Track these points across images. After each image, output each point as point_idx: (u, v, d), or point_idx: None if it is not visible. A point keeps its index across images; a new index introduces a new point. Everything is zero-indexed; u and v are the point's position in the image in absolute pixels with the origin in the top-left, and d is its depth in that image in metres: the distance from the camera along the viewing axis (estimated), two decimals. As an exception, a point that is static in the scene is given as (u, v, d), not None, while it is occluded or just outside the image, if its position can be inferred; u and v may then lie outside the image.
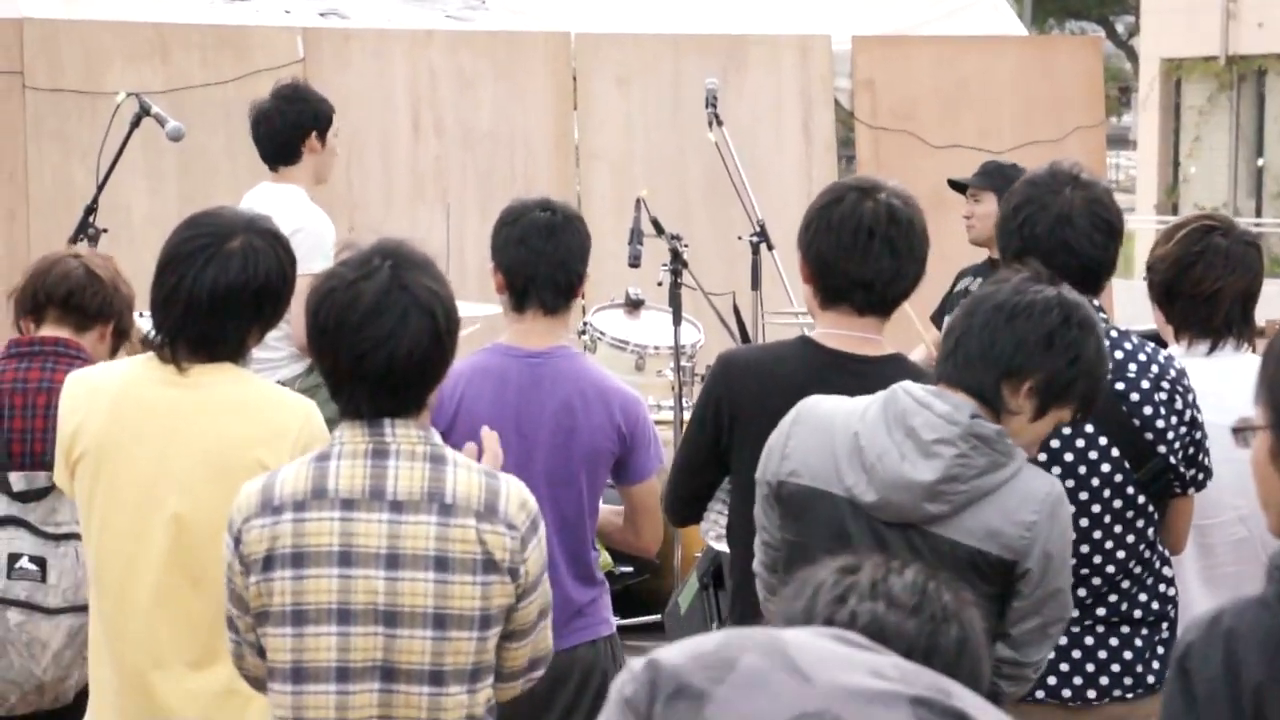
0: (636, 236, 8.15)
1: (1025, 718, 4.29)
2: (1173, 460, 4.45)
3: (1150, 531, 4.50)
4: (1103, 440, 4.42)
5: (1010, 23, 12.92)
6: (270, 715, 3.77)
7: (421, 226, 10.41)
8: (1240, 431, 2.83)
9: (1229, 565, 4.79)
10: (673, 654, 1.95)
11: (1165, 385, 4.46)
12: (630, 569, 8.28)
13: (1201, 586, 4.78)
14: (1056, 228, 4.46)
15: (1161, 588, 4.54)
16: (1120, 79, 46.81)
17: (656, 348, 8.64)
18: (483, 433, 4.04)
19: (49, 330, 5.29)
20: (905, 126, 11.79)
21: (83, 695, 4.83)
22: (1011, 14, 13.32)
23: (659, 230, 8.14)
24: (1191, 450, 4.49)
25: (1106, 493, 4.43)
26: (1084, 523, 4.41)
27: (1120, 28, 48.68)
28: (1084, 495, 4.42)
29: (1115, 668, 4.48)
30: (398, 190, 11.05)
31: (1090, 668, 4.48)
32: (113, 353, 5.25)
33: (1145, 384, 4.44)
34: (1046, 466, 4.37)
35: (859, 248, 4.30)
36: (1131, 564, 4.47)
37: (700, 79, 9.38)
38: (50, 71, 10.43)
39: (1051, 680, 4.44)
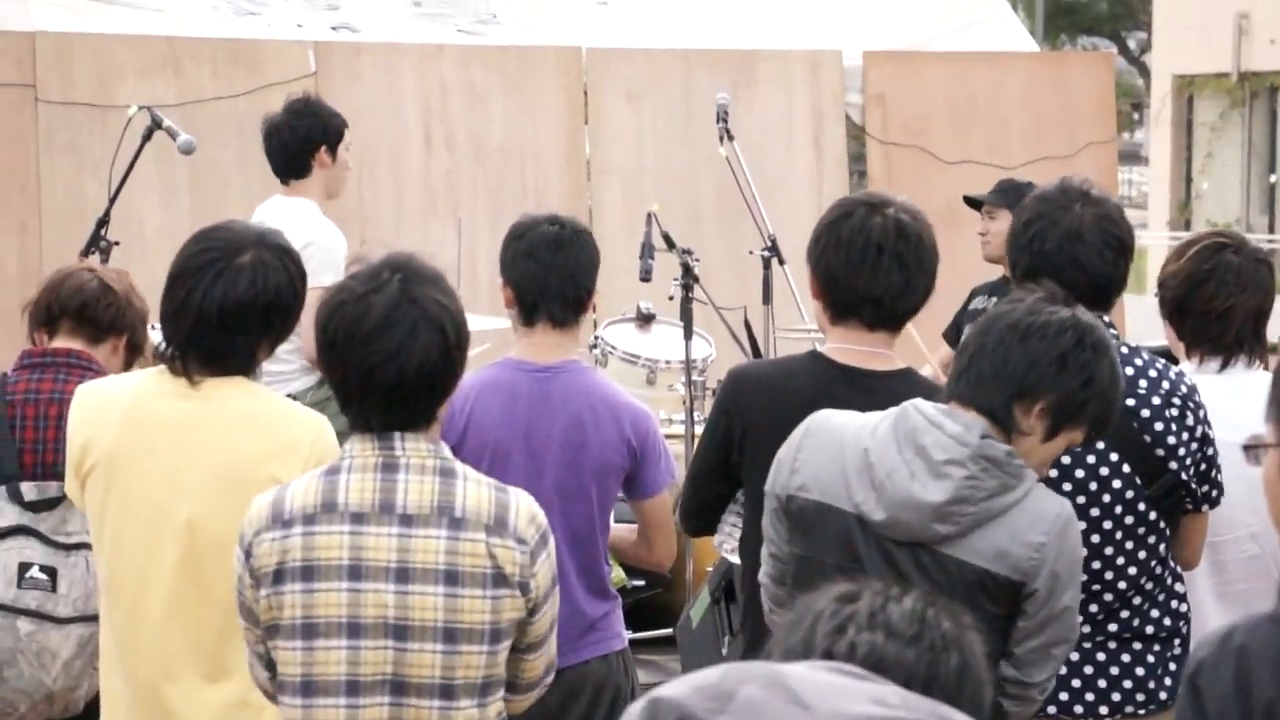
0: (648, 251, 8.15)
1: (1037, 734, 4.29)
2: (1184, 476, 4.44)
3: (1162, 548, 4.49)
4: (1114, 456, 4.41)
5: (1022, 38, 12.92)
6: (281, 728, 3.77)
7: (433, 241, 10.42)
8: (1252, 449, 2.83)
9: (1241, 582, 4.78)
10: (674, 688, 1.96)
11: (1176, 401, 4.45)
12: (642, 583, 8.27)
13: (1215, 603, 4.77)
14: (1066, 244, 4.46)
15: (1174, 604, 4.53)
16: (1132, 95, 46.82)
17: (668, 362, 8.63)
18: None
19: (62, 342, 5.30)
20: (917, 142, 11.79)
21: (93, 705, 4.83)
22: (1023, 30, 13.32)
23: (670, 245, 8.14)
24: (1203, 467, 4.48)
25: (1118, 509, 4.43)
26: (1095, 539, 4.40)
27: (1132, 44, 48.70)
28: (1095, 511, 4.41)
29: (1128, 684, 4.48)
30: (409, 204, 11.06)
31: (1102, 684, 4.47)
32: (126, 366, 5.25)
33: (1156, 400, 4.44)
34: (1058, 482, 4.37)
35: (868, 263, 4.30)
36: (1143, 580, 4.47)
37: (711, 94, 9.39)
38: (63, 84, 10.45)
39: (1064, 696, 4.44)
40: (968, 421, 3.78)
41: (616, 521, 5.23)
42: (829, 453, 3.88)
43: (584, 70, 11.39)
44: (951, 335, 8.02)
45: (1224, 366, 4.85)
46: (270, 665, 3.75)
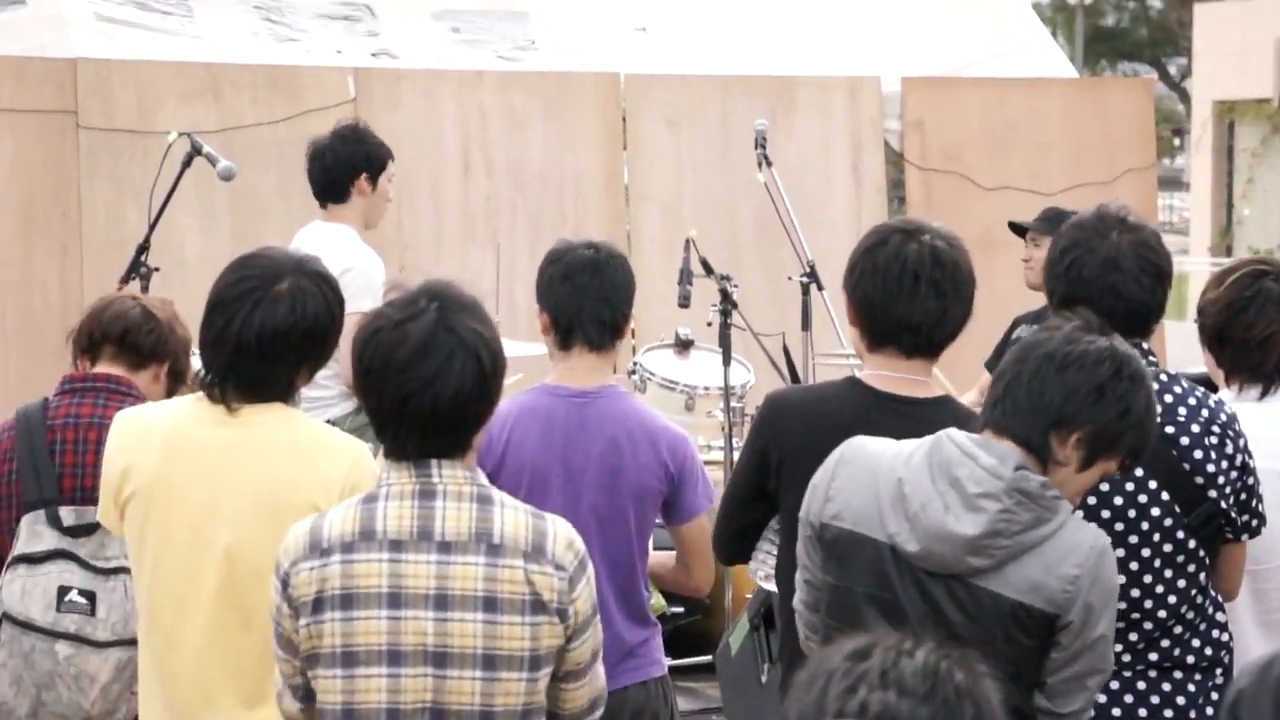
0: (686, 277, 8.16)
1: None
2: (1223, 505, 4.42)
3: (1202, 576, 4.47)
4: (1153, 484, 4.40)
5: (1060, 64, 12.90)
6: (321, 755, 3.77)
7: (472, 267, 10.44)
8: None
9: (1283, 610, 4.77)
10: None
11: (1216, 429, 4.44)
12: (681, 609, 8.27)
13: (1256, 631, 4.75)
14: (1104, 272, 4.45)
15: (1215, 633, 4.51)
16: (1173, 121, 46.76)
17: (706, 388, 8.63)
18: None
19: (104, 368, 5.33)
20: (955, 168, 11.78)
21: (131, 731, 4.85)
22: (1062, 55, 13.30)
23: (708, 271, 8.14)
24: (1243, 495, 4.46)
25: (1156, 537, 4.41)
26: (1134, 567, 4.39)
27: (1173, 69, 48.65)
28: (1134, 539, 4.40)
29: (1168, 714, 4.45)
30: (448, 230, 11.09)
31: (1143, 713, 4.45)
32: (169, 394, 5.27)
33: (1195, 428, 4.42)
34: (1096, 510, 4.36)
35: (904, 290, 4.29)
36: (1183, 609, 4.45)
37: (750, 120, 9.39)
38: (104, 111, 10.50)
39: (1103, 726, 4.42)
40: (1002, 453, 3.76)
41: (655, 549, 5.23)
42: (863, 480, 3.87)
43: (623, 96, 11.41)
44: (993, 364, 8.01)
45: (1264, 394, 4.83)
46: (308, 695, 3.75)
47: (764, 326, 8.53)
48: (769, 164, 8.80)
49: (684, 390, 8.67)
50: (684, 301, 8.11)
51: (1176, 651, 4.45)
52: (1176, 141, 47.49)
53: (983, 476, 3.74)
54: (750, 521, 4.64)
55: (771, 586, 4.83)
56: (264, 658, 4.03)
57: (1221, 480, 4.42)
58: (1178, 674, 4.46)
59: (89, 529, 5.11)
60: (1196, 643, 4.47)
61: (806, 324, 8.53)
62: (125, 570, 4.97)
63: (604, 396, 5.06)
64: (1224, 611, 4.54)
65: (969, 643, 3.76)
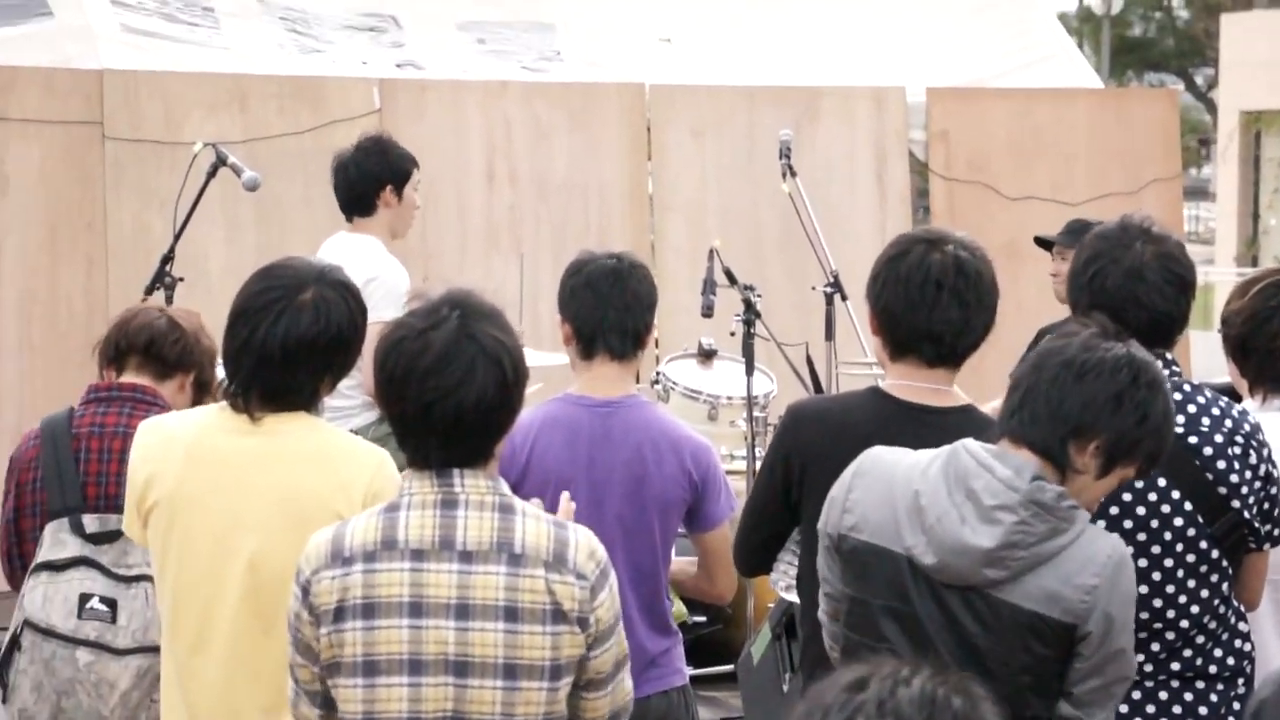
0: (710, 287, 8.16)
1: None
2: (1246, 515, 4.42)
3: (1225, 586, 4.46)
4: (1175, 494, 4.39)
5: (1086, 75, 12.90)
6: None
7: (496, 277, 10.45)
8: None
9: (1305, 620, 4.76)
10: None
11: (1239, 439, 4.43)
12: (703, 619, 8.27)
13: (1279, 642, 4.74)
14: (1127, 282, 4.45)
15: (1237, 643, 4.50)
16: (1199, 131, 46.71)
17: (729, 398, 8.64)
18: (562, 498, 4.08)
19: (129, 378, 5.35)
20: (979, 178, 11.78)
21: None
22: (1087, 66, 13.29)
23: (732, 280, 8.14)
24: (1266, 505, 4.46)
25: (1179, 547, 4.40)
26: (1157, 577, 4.38)
27: (1199, 80, 48.58)
28: (1156, 549, 4.39)
29: (1190, 724, 4.45)
30: (472, 240, 11.10)
31: (1164, 723, 4.45)
32: (194, 404, 5.29)
33: (1219, 438, 4.42)
34: (1119, 520, 4.36)
35: (926, 300, 4.30)
36: (1206, 619, 4.44)
37: (774, 130, 9.39)
38: (130, 121, 10.53)
39: (1126, 736, 4.42)
40: (1018, 464, 3.76)
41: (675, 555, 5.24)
42: (880, 492, 3.87)
43: (647, 106, 11.43)
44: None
45: (1287, 405, 4.82)
46: (326, 702, 3.76)
47: (787, 336, 8.53)
48: (793, 174, 8.80)
49: (707, 400, 8.67)
50: (707, 311, 8.11)
51: (1199, 661, 4.45)
52: (1203, 152, 47.43)
53: (999, 488, 3.74)
54: (772, 532, 4.64)
55: (793, 597, 4.82)
56: (286, 666, 4.03)
57: (1245, 490, 4.41)
58: (1200, 684, 4.45)
59: (111, 536, 5.13)
60: (1219, 653, 4.46)
61: (830, 334, 8.53)
62: (147, 578, 4.99)
63: (627, 406, 5.06)
64: (1246, 621, 4.54)
65: (988, 654, 3.77)
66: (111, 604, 5.11)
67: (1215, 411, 4.45)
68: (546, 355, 7.71)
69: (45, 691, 5.09)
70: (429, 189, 9.46)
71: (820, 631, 4.19)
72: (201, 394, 5.37)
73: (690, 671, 5.30)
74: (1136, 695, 4.39)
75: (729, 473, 5.74)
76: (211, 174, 7.95)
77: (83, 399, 5.36)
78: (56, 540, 5.16)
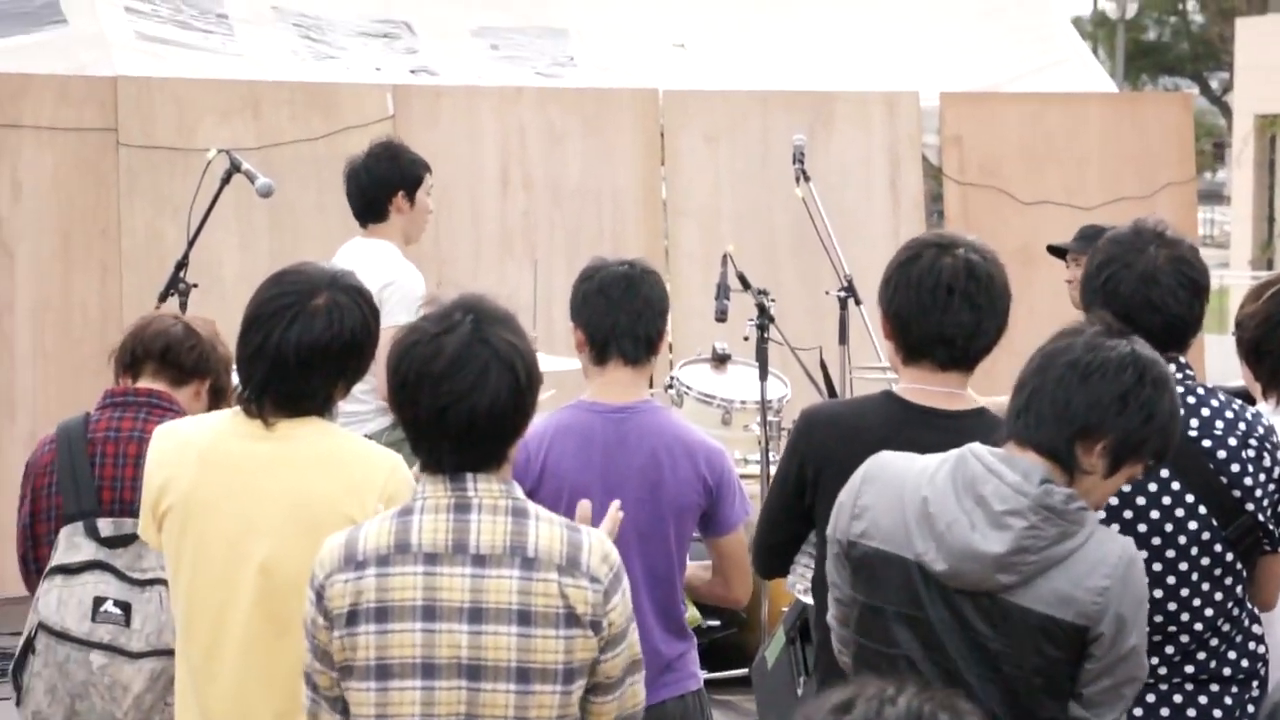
0: (723, 291, 8.17)
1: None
2: (1261, 518, 4.41)
3: (1239, 589, 4.46)
4: (1189, 498, 4.39)
5: (1100, 79, 12.88)
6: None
7: (509, 282, 10.46)
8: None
9: (1319, 623, 4.75)
10: None
11: (1253, 442, 4.43)
12: (717, 623, 8.27)
13: (1293, 645, 4.74)
14: (1141, 286, 4.44)
15: (1252, 645, 4.50)
16: (1214, 135, 46.68)
17: (743, 402, 8.64)
18: (579, 506, 4.09)
19: (145, 384, 5.36)
20: (993, 183, 11.77)
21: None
22: (1101, 70, 13.28)
23: (746, 285, 8.15)
24: (1280, 507, 4.45)
25: (1194, 550, 4.40)
26: (1171, 580, 4.38)
27: (1214, 83, 48.56)
28: (1171, 553, 4.39)
29: (1204, 726, 4.44)
30: (486, 246, 11.11)
31: (1179, 727, 4.45)
32: (209, 411, 5.30)
33: (1233, 441, 4.41)
34: (1133, 524, 4.35)
35: (938, 304, 4.30)
36: (1220, 621, 4.44)
37: (788, 135, 9.40)
38: (144, 128, 10.55)
39: (1139, 739, 4.41)
40: (1026, 468, 3.76)
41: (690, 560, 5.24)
42: (889, 498, 3.87)
43: (661, 112, 11.43)
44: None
45: (1302, 407, 4.82)
46: (343, 708, 3.76)
47: (801, 341, 8.53)
48: (807, 179, 8.80)
49: (721, 404, 8.68)
50: (721, 316, 8.11)
51: (1213, 664, 4.44)
52: (1218, 155, 47.40)
53: (1008, 493, 3.74)
54: (787, 536, 4.64)
55: (809, 599, 4.83)
56: (299, 671, 4.04)
57: (1259, 493, 4.41)
58: (1214, 686, 4.45)
59: (126, 540, 5.14)
60: (1233, 655, 4.46)
61: (844, 338, 8.53)
62: (161, 581, 5.00)
63: (641, 411, 5.07)
64: (1260, 623, 4.53)
65: (1001, 658, 3.77)
66: (125, 607, 5.12)
67: (1229, 415, 4.45)
68: (560, 360, 7.71)
69: (59, 694, 5.10)
70: (443, 195, 9.48)
71: (834, 635, 4.20)
72: (217, 401, 5.38)
73: (704, 675, 5.30)
74: (1151, 699, 4.39)
75: (743, 477, 5.75)
76: (225, 180, 7.96)
77: (98, 404, 5.38)
78: (71, 544, 5.18)
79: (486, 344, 3.67)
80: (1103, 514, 4.28)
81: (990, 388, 5.06)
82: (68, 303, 10.43)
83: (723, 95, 11.55)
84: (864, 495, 3.91)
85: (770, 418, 8.24)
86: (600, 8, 12.16)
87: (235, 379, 4.69)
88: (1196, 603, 4.41)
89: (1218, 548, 4.41)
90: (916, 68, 12.09)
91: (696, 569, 5.24)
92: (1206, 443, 4.38)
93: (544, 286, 9.69)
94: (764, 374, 8.10)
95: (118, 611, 5.11)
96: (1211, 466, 4.39)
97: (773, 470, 6.09)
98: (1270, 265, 31.81)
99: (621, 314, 5.01)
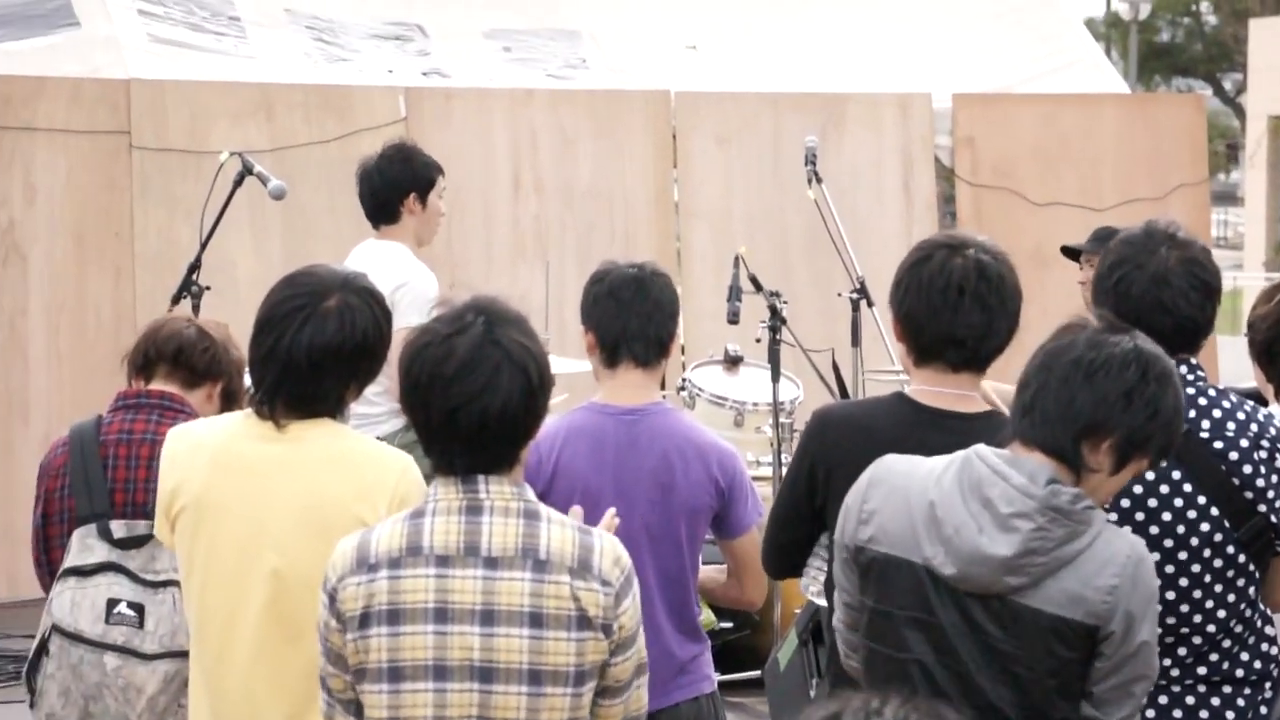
0: (735, 293, 8.17)
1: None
2: (1273, 519, 4.41)
3: (1251, 590, 4.45)
4: (1201, 499, 4.39)
5: (1112, 80, 12.88)
6: (367, 770, 3.78)
7: (521, 284, 10.47)
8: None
9: (1332, 625, 4.74)
10: None
11: (1265, 444, 4.42)
12: (730, 625, 8.28)
13: (1305, 646, 4.74)
14: (1152, 288, 4.44)
15: (1264, 647, 4.49)
16: (1228, 136, 46.66)
17: (755, 404, 8.64)
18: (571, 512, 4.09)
19: (157, 386, 5.37)
20: (1006, 184, 11.77)
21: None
22: (1114, 71, 13.27)
23: (758, 287, 8.16)
24: (1292, 509, 4.45)
25: (1206, 551, 4.40)
26: (1183, 582, 4.38)
27: (1228, 85, 48.52)
28: (1183, 555, 4.39)
29: (1217, 728, 4.44)
30: (498, 248, 11.12)
31: (1191, 728, 4.44)
32: (221, 413, 5.31)
33: (1244, 442, 4.41)
34: (1144, 526, 4.35)
35: (949, 305, 4.30)
36: (1233, 623, 4.43)
37: (800, 137, 9.40)
38: (157, 131, 10.56)
39: (1152, 741, 4.41)
40: (1032, 470, 3.76)
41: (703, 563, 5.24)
42: (896, 503, 3.86)
43: (673, 114, 11.44)
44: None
45: (1314, 409, 4.81)
46: (358, 711, 3.76)
47: (813, 343, 8.53)
48: (819, 180, 8.80)
49: (733, 406, 8.68)
50: (733, 318, 8.12)
51: (1225, 665, 4.44)
52: (1232, 157, 47.37)
53: (1014, 496, 3.74)
54: (799, 536, 4.64)
55: (822, 601, 4.83)
56: (311, 673, 4.04)
57: (1271, 494, 4.41)
58: (1226, 688, 4.44)
59: (139, 541, 5.15)
60: (1245, 656, 4.46)
61: (856, 340, 8.54)
62: (174, 583, 5.01)
63: (653, 413, 5.07)
64: (1272, 625, 4.53)
65: (1012, 660, 3.77)
66: (139, 609, 5.13)
67: (1240, 416, 4.45)
68: (572, 362, 7.71)
69: (73, 696, 5.11)
70: (455, 197, 9.48)
71: (847, 638, 4.20)
72: (229, 404, 5.39)
73: (717, 677, 5.30)
74: (1163, 700, 4.39)
75: (755, 479, 5.75)
76: (238, 183, 7.97)
77: (111, 406, 5.39)
78: (84, 546, 5.19)
79: (498, 345, 3.67)
80: (1114, 516, 4.28)
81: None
82: (81, 305, 10.44)
83: (735, 97, 11.56)
84: (870, 500, 3.90)
85: (782, 420, 8.25)
86: (612, 10, 12.17)
87: (248, 381, 4.70)
88: (1209, 605, 4.41)
89: (1230, 550, 4.40)
90: (929, 69, 12.08)
91: (711, 572, 5.24)
92: (1218, 445, 4.38)
93: (556, 288, 9.70)
94: (776, 376, 8.11)
95: (131, 613, 5.12)
96: (1223, 468, 4.39)
97: (784, 472, 6.09)
98: (1284, 266, 31.78)
99: (632, 316, 5.02)
